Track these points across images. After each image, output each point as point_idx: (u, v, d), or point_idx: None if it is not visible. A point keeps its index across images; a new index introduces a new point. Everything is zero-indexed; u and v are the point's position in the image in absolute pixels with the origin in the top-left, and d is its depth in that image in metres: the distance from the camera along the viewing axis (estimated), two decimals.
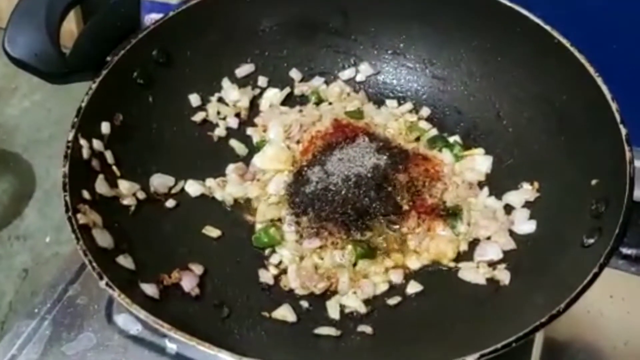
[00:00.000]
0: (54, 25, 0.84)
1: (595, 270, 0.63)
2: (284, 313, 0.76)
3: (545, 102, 0.86)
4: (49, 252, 1.25)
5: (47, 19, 0.84)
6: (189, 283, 0.77)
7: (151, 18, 1.60)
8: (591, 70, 0.79)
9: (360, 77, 1.01)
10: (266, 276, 0.81)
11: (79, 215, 0.71)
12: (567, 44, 0.82)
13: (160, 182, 0.87)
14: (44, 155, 1.41)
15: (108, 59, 0.85)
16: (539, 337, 0.86)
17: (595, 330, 0.88)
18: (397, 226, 0.84)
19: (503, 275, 0.77)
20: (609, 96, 0.76)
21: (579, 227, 0.72)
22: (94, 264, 0.66)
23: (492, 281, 0.78)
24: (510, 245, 0.81)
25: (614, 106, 0.75)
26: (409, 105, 0.99)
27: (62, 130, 0.78)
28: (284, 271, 0.82)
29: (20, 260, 1.24)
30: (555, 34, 0.83)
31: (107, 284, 0.65)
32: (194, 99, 0.95)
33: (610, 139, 0.74)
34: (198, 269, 0.79)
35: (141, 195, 0.84)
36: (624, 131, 0.73)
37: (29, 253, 1.25)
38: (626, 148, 0.71)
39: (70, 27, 1.39)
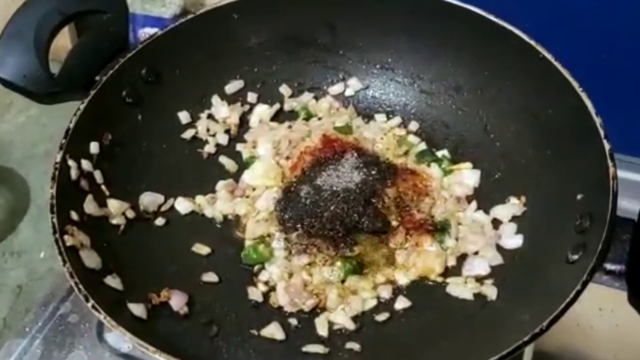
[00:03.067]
0: (43, 46, 0.85)
1: (578, 288, 0.63)
2: (273, 331, 0.77)
3: (531, 116, 0.87)
4: (44, 267, 1.25)
5: (35, 40, 0.85)
6: (178, 302, 0.77)
7: (145, 32, 1.61)
8: (575, 84, 0.79)
9: (349, 92, 1.02)
10: (255, 293, 0.81)
11: (66, 237, 0.72)
12: (552, 59, 0.82)
13: (149, 200, 0.87)
14: (39, 170, 1.42)
15: (97, 78, 0.86)
16: (528, 350, 0.86)
17: (585, 343, 0.88)
18: (385, 242, 0.84)
19: (490, 291, 0.77)
20: (592, 111, 0.76)
21: (564, 243, 0.72)
22: (81, 286, 0.66)
23: (479, 296, 0.78)
24: (498, 260, 0.81)
25: (597, 121, 0.75)
26: (397, 120, 0.99)
27: (58, 146, 0.79)
28: (273, 288, 0.82)
29: (15, 276, 1.24)
30: (540, 48, 0.84)
31: (93, 307, 0.65)
32: (184, 117, 0.96)
33: (594, 154, 0.74)
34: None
35: (130, 214, 0.84)
36: (607, 146, 0.73)
37: (24, 269, 1.25)
38: (609, 163, 0.71)
39: (65, 42, 1.40)
